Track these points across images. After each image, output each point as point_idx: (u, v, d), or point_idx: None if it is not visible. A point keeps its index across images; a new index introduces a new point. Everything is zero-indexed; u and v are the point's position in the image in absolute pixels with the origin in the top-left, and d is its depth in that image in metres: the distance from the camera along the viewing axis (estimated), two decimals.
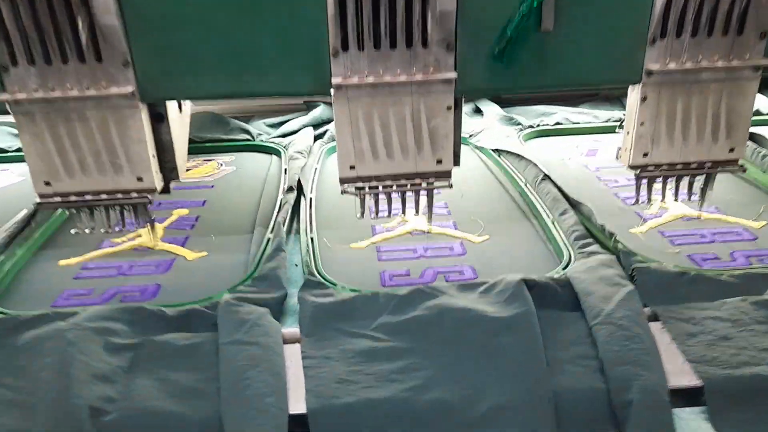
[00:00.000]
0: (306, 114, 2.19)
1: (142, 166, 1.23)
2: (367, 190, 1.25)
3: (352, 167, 1.22)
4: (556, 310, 1.07)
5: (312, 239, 1.37)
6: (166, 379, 0.93)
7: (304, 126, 2.12)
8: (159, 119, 1.28)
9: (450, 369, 0.93)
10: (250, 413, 0.83)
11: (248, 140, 2.07)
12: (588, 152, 1.95)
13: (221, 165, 1.94)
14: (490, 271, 1.26)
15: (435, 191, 1.34)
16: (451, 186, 1.24)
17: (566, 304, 1.09)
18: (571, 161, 1.88)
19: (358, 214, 1.29)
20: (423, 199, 1.34)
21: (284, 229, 1.38)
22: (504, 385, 0.88)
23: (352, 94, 1.15)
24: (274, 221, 1.40)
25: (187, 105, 1.46)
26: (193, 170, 1.90)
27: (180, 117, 1.41)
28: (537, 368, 0.90)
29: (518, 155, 1.77)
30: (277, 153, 1.97)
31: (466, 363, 0.93)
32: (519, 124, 2.11)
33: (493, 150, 1.89)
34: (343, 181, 1.22)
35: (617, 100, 2.30)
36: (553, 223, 1.41)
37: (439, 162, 1.23)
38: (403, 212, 1.32)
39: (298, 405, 0.89)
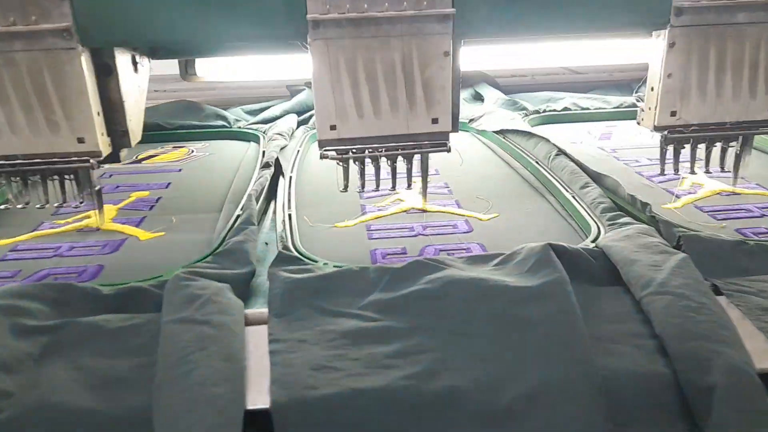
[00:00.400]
0: (289, 100, 2.00)
1: (84, 125, 1.03)
2: (351, 155, 1.05)
3: (333, 127, 1.02)
4: (591, 285, 0.86)
5: (290, 215, 1.15)
6: (86, 368, 0.71)
7: (287, 112, 1.93)
8: (107, 72, 1.07)
9: (463, 350, 0.70)
10: (189, 405, 0.61)
11: (224, 126, 1.86)
12: (602, 136, 1.76)
13: (192, 152, 1.73)
14: (503, 248, 1.05)
15: (432, 171, 1.14)
16: (449, 150, 1.05)
17: (601, 279, 0.88)
18: (583, 145, 1.69)
19: (341, 187, 1.09)
20: (418, 180, 1.16)
21: (256, 204, 1.16)
22: (536, 366, 0.66)
23: (332, 34, 0.96)
24: (247, 196, 1.18)
25: (146, 66, 1.26)
26: (160, 156, 1.69)
27: (135, 76, 1.20)
28: (578, 344, 0.68)
29: (527, 133, 1.57)
30: (256, 140, 1.76)
31: (483, 341, 0.71)
32: (524, 108, 1.93)
33: (496, 132, 1.69)
34: (322, 144, 1.02)
35: (627, 86, 2.13)
36: (573, 197, 1.20)
37: (434, 121, 1.04)
38: (393, 187, 1.12)
39: (260, 398, 0.67)
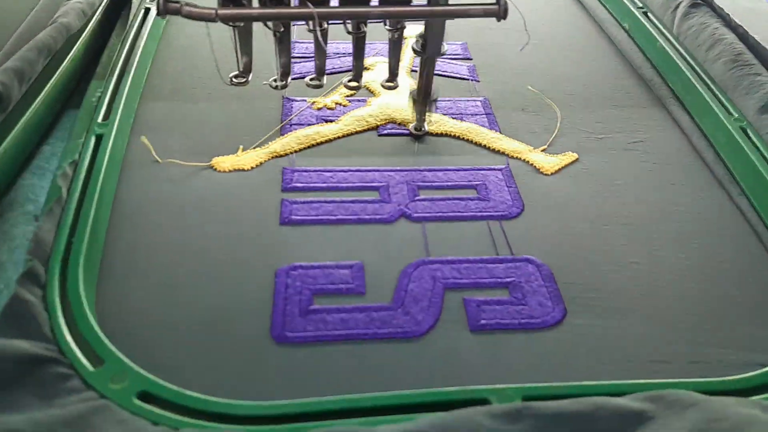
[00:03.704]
0: None
1: None
2: (248, 11, 0.38)
3: None
4: None
5: (98, 138, 0.49)
6: None
7: None
8: None
9: None
10: None
11: None
12: None
13: None
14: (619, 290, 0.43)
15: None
16: (503, 13, 0.38)
17: None
18: None
19: (231, 75, 0.44)
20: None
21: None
22: None
23: None
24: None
25: None
26: None
27: None
28: None
29: None
30: None
31: None
32: None
33: None
34: None
35: None
36: (746, 134, 0.55)
37: None
38: (358, 76, 0.46)
39: None
